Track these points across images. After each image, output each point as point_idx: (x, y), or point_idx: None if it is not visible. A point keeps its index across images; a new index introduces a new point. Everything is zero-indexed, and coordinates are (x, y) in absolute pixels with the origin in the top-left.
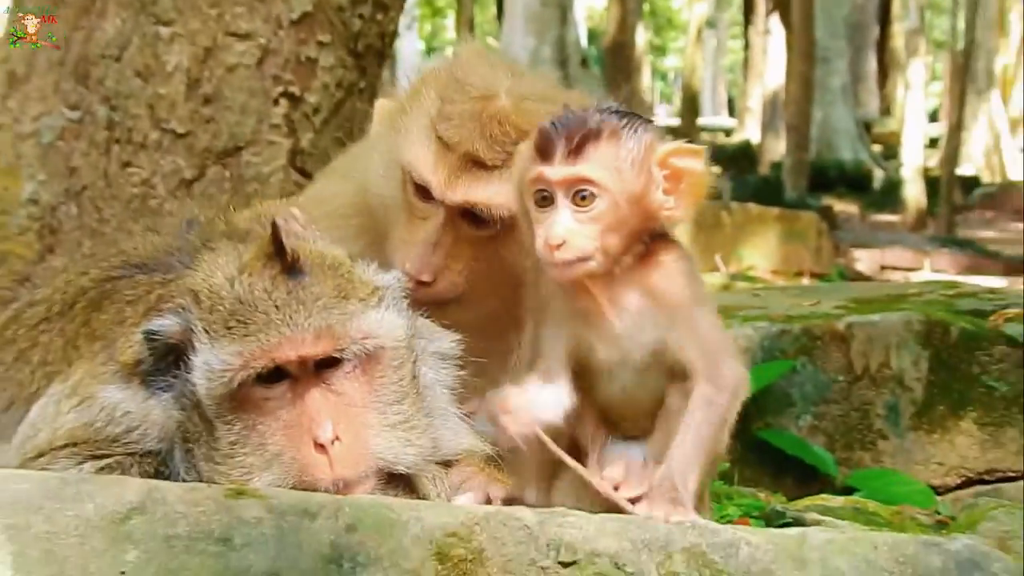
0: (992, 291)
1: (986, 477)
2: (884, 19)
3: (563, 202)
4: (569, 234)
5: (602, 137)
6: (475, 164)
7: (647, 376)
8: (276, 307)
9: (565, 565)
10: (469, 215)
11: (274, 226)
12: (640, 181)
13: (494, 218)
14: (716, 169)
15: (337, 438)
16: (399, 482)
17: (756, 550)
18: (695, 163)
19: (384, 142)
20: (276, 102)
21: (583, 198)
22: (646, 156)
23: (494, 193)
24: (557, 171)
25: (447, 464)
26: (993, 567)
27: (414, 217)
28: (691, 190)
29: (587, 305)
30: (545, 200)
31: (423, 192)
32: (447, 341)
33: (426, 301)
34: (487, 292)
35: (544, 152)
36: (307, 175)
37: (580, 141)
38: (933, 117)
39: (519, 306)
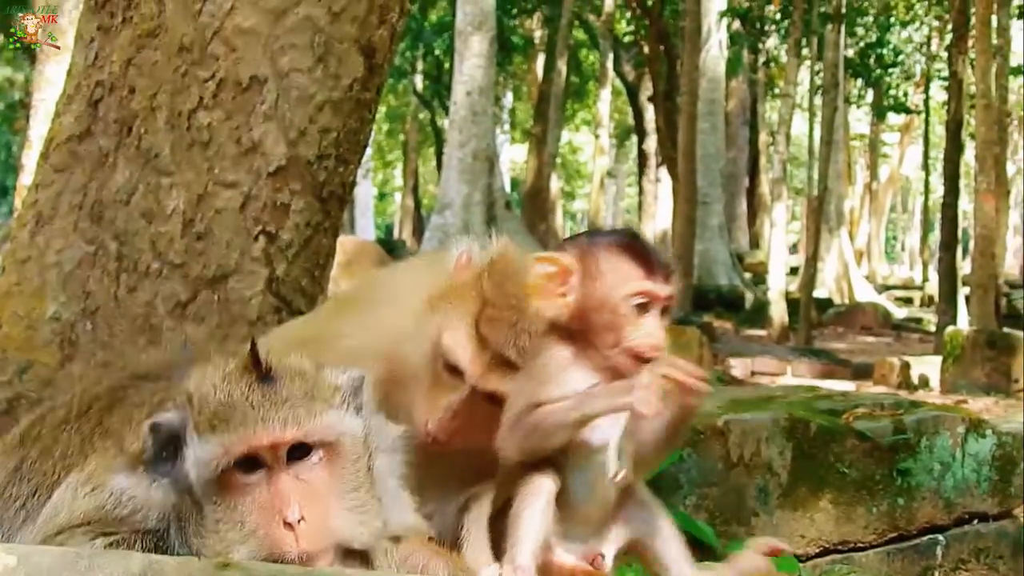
0: (844, 394)
1: (840, 547)
2: (753, 171)
3: (656, 312)
4: (663, 338)
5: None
6: (506, 363)
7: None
8: (252, 407)
9: None
10: (489, 396)
11: (252, 343)
12: None
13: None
14: None
15: (302, 518)
16: (355, 555)
17: None
18: None
19: (421, 318)
20: (256, 239)
21: (664, 310)
22: None
23: (515, 384)
24: (663, 288)
25: (396, 539)
26: None
27: (440, 384)
28: None
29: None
30: (641, 308)
31: (453, 370)
32: (397, 437)
33: (436, 452)
34: (484, 442)
35: (650, 270)
36: (281, 298)
37: (670, 266)
38: (793, 250)
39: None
